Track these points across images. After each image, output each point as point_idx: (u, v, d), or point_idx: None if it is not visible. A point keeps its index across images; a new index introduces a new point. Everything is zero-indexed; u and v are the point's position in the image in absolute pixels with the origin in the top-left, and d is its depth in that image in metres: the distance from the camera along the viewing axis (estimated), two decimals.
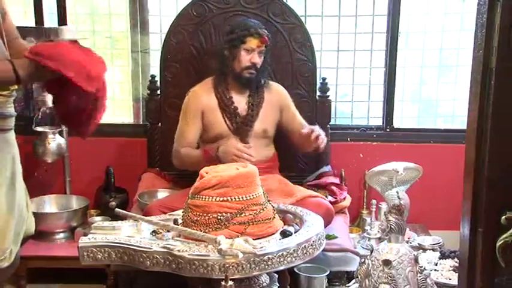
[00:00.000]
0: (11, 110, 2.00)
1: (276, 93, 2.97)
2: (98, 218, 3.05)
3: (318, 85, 3.25)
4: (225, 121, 2.85)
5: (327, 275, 2.48)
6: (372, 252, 2.25)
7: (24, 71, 1.80)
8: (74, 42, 1.90)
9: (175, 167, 2.94)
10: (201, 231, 2.05)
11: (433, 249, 3.02)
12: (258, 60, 2.81)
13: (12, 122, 2.02)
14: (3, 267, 2.00)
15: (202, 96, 2.88)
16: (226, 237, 1.98)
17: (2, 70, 1.79)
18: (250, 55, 2.79)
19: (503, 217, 1.22)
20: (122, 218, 2.26)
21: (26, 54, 1.81)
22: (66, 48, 1.84)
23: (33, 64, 1.79)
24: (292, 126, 2.93)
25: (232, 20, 3.12)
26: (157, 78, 3.25)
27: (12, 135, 2.04)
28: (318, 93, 3.25)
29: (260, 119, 2.88)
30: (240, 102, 2.88)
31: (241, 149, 2.62)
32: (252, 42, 2.78)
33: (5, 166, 1.98)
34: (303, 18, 3.30)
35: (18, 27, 3.21)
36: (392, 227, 2.19)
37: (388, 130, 3.50)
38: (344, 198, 3.04)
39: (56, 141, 3.20)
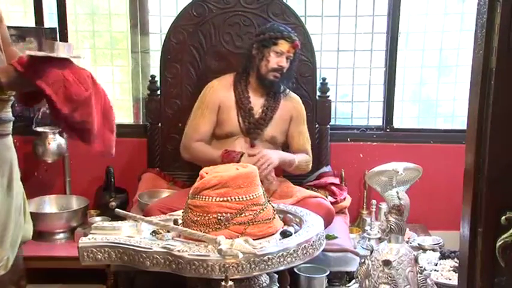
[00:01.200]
0: (9, 114, 2.00)
1: (292, 105, 2.96)
2: (98, 218, 3.05)
3: (318, 85, 3.25)
4: (238, 120, 2.85)
5: (327, 275, 2.48)
6: (372, 252, 2.25)
7: (6, 79, 1.80)
8: (67, 60, 1.88)
9: (184, 159, 2.95)
10: (201, 231, 2.05)
11: (433, 250, 3.02)
12: (286, 64, 2.82)
13: (10, 127, 2.02)
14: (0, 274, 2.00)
15: (221, 91, 2.88)
16: (226, 238, 1.98)
17: None
18: (279, 58, 2.79)
19: (503, 217, 1.22)
20: (122, 218, 2.26)
21: (12, 62, 1.81)
22: (53, 64, 1.82)
23: (17, 73, 1.79)
24: (291, 142, 2.95)
25: (232, 20, 3.14)
26: (158, 79, 3.25)
27: (9, 140, 2.03)
28: (318, 93, 3.25)
29: (271, 125, 2.87)
30: (256, 104, 2.87)
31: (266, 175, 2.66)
32: (283, 46, 2.79)
33: (3, 172, 1.97)
34: (303, 19, 3.29)
35: (18, 28, 3.24)
36: (392, 227, 2.19)
37: (388, 130, 3.50)
38: (344, 199, 3.04)
39: (56, 141, 3.20)
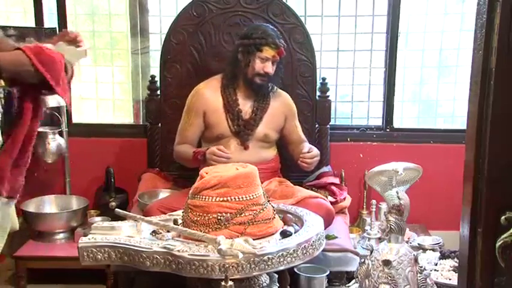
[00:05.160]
0: None
1: (283, 102, 2.96)
2: (98, 218, 3.05)
3: (318, 85, 3.25)
4: (228, 122, 2.84)
5: (327, 275, 2.48)
6: (371, 252, 2.25)
7: (7, 63, 1.69)
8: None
9: (175, 160, 2.98)
10: (201, 231, 2.05)
11: (433, 250, 3.02)
12: (271, 70, 2.80)
13: None
14: None
15: (207, 95, 2.88)
16: (226, 238, 1.98)
17: None
18: (264, 64, 2.77)
19: (503, 217, 1.22)
20: (122, 218, 2.26)
21: (23, 48, 1.72)
22: (55, 56, 1.77)
23: (25, 61, 1.70)
24: (291, 136, 2.97)
25: (232, 21, 3.14)
26: (157, 79, 3.25)
27: None
28: (318, 93, 3.25)
29: (263, 124, 2.87)
30: (245, 105, 2.87)
31: (218, 153, 2.61)
32: (268, 52, 2.76)
33: None
34: (302, 19, 3.30)
35: (18, 28, 3.23)
36: (392, 227, 2.19)
37: (388, 130, 3.51)
38: (344, 199, 3.04)
39: (56, 141, 3.20)
